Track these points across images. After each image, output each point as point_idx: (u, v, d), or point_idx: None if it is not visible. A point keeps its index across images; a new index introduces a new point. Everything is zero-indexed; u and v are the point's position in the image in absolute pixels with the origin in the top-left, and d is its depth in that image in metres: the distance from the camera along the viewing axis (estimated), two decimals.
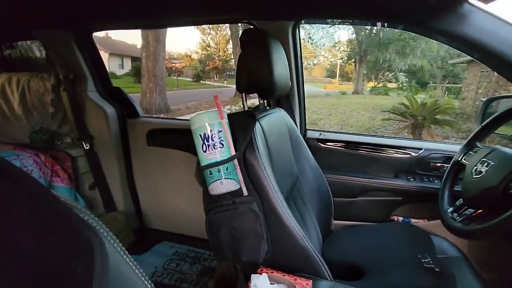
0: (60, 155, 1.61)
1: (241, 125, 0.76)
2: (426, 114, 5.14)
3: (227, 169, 0.70)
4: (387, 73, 16.47)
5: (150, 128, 1.59)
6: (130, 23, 1.45)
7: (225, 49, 19.14)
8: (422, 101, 5.48)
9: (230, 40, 15.72)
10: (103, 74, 1.61)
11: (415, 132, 5.26)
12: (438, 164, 1.25)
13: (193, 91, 14.55)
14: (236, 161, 0.70)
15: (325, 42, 14.96)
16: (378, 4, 1.02)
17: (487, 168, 0.77)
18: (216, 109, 0.71)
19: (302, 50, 1.36)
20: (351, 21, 1.28)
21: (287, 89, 1.00)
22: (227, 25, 15.58)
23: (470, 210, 0.80)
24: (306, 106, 1.43)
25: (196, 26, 18.57)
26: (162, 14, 1.29)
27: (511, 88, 7.23)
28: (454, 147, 1.27)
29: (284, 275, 0.68)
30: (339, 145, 1.40)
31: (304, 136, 1.40)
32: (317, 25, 13.34)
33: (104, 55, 15.43)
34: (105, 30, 1.53)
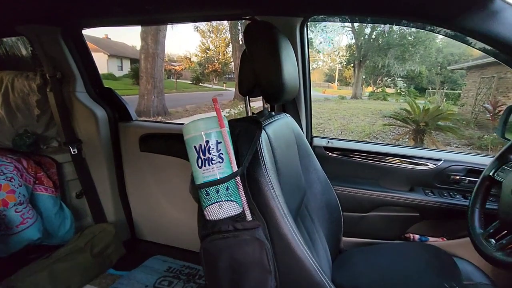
0: (45, 160, 1.49)
1: (245, 134, 0.64)
2: (429, 120, 5.04)
3: (227, 189, 0.57)
4: (386, 78, 16.49)
5: (144, 132, 1.47)
6: (124, 19, 1.34)
7: (225, 52, 19.12)
8: (424, 107, 5.39)
9: (230, 43, 15.68)
10: (93, 73, 1.49)
11: (417, 138, 5.17)
12: (459, 177, 1.14)
13: (192, 93, 14.46)
14: (238, 178, 0.58)
15: (325, 46, 15.00)
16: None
17: None
18: (215, 115, 0.58)
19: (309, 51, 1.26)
20: (368, 19, 1.17)
21: (296, 93, 0.89)
22: (227, 28, 15.59)
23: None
24: None
25: (196, 29, 18.64)
26: (159, 9, 1.18)
27: (511, 95, 7.21)
28: (476, 159, 1.16)
29: None
30: (348, 154, 1.28)
31: (311, 144, 1.28)
32: (317, 29, 13.34)
33: (103, 57, 15.55)
34: (96, 26, 1.42)
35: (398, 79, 16.16)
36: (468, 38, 0.90)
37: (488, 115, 6.67)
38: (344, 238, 1.16)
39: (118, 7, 1.14)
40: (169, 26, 8.28)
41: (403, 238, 1.20)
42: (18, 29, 1.32)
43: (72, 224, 1.50)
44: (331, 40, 15.06)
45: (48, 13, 1.22)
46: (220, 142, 0.58)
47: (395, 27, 13.27)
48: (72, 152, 1.44)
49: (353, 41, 14.76)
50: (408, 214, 1.17)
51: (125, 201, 1.60)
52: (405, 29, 13.30)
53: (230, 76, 20.32)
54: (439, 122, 5.17)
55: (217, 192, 0.56)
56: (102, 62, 15.16)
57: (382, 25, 13.26)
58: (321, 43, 14.93)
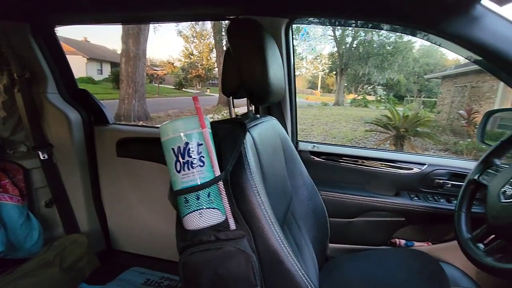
0: (10, 166, 1.37)
1: (228, 136, 0.59)
2: (408, 126, 5.20)
3: (208, 195, 0.52)
4: (366, 86, 17.00)
5: (121, 136, 1.39)
6: (101, 16, 1.27)
7: (209, 57, 19.07)
8: (404, 114, 5.57)
9: (214, 49, 15.67)
10: (66, 74, 1.40)
11: (397, 143, 5.31)
12: (442, 181, 1.15)
13: (175, 98, 14.26)
14: (221, 184, 0.53)
15: (308, 54, 15.31)
16: (385, 3, 0.92)
17: None
18: (196, 115, 0.53)
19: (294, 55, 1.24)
20: (354, 23, 1.17)
21: (282, 95, 0.86)
22: (211, 33, 15.56)
23: (501, 240, 0.67)
24: None
25: (179, 33, 18.52)
26: (139, 7, 1.12)
27: (483, 103, 7.61)
28: (458, 163, 1.17)
29: None
30: (334, 159, 1.26)
31: (296, 148, 1.25)
32: (300, 36, 13.59)
33: (82, 60, 15.08)
34: (70, 24, 1.33)
35: (378, 87, 16.71)
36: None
37: (463, 122, 6.98)
38: (330, 245, 1.13)
39: (94, 2, 1.07)
40: (151, 30, 8.16)
41: (389, 243, 1.19)
42: None
43: (40, 236, 1.38)
44: (313, 48, 15.38)
45: (16, 8, 1.13)
46: (201, 144, 0.52)
47: (375, 37, 13.73)
48: (42, 158, 1.34)
49: (335, 49, 15.15)
50: (394, 219, 1.16)
51: (100, 210, 1.50)
52: (384, 39, 13.81)
53: (213, 81, 20.26)
54: (418, 128, 5.35)
55: (198, 198, 0.51)
56: (80, 66, 14.69)
57: (363, 34, 13.68)
58: (303, 51, 15.24)
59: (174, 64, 19.56)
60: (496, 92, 7.06)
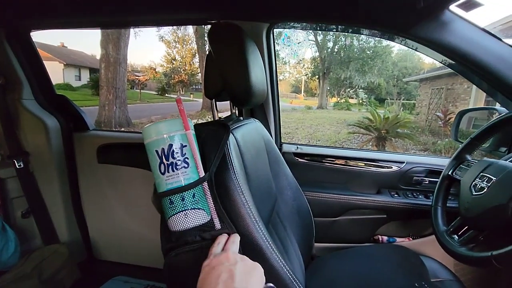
0: None
1: (212, 137, 0.60)
2: (389, 128, 5.37)
3: (193, 196, 0.52)
4: (348, 89, 17.42)
5: (102, 142, 1.36)
6: (79, 20, 1.24)
7: (191, 63, 18.96)
8: (384, 116, 5.75)
9: (197, 54, 15.59)
10: (43, 80, 1.36)
11: (379, 144, 5.47)
12: (420, 178, 1.19)
13: (158, 104, 14.06)
14: (206, 184, 0.53)
15: (291, 59, 15.54)
16: (359, 9, 0.96)
17: (489, 184, 0.69)
18: (179, 118, 0.53)
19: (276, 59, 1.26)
20: (334, 28, 1.21)
21: (264, 97, 0.87)
22: (193, 38, 15.50)
23: (473, 231, 0.71)
24: None
25: (161, 39, 18.34)
26: (118, 11, 1.11)
27: (458, 104, 7.97)
28: (435, 160, 1.22)
29: None
30: (317, 160, 1.29)
31: (280, 150, 1.27)
32: (283, 42, 13.79)
33: (58, 66, 14.60)
34: (47, 28, 1.30)
35: (360, 90, 17.18)
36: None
37: (440, 123, 7.28)
38: (316, 244, 1.15)
39: (71, 6, 1.05)
40: (132, 35, 8.04)
41: (372, 240, 1.22)
42: None
43: (17, 248, 1.32)
44: (295, 52, 15.63)
45: None
46: (185, 146, 0.53)
47: (355, 42, 14.13)
48: (17, 166, 1.28)
49: (317, 54, 15.46)
50: (376, 216, 1.19)
51: (81, 218, 1.45)
52: (364, 43, 14.23)
53: (197, 87, 20.14)
54: (398, 130, 5.53)
55: (183, 200, 0.51)
56: (57, 72, 14.22)
57: (343, 38, 14.04)
58: (286, 55, 15.47)
59: (156, 70, 19.31)
60: (470, 94, 7.42)
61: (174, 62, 19.34)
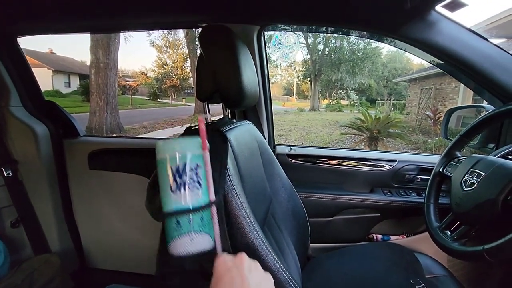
0: None
1: (212, 151, 0.58)
2: (380, 128, 5.44)
3: (201, 219, 0.49)
4: (340, 91, 17.62)
5: (93, 149, 1.34)
6: (67, 25, 1.23)
7: (183, 67, 18.92)
8: (375, 116, 5.82)
9: (188, 58, 15.58)
10: (32, 86, 1.33)
11: (371, 144, 5.53)
12: (412, 176, 1.21)
13: (150, 109, 13.97)
14: (214, 207, 0.51)
15: (282, 62, 15.65)
16: (348, 10, 0.97)
17: (478, 180, 0.70)
18: (197, 136, 0.50)
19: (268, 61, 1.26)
20: (324, 30, 1.22)
21: (256, 99, 0.87)
22: (185, 43, 15.48)
23: (465, 226, 0.72)
24: None
25: (152, 44, 18.26)
26: (107, 15, 1.10)
27: (447, 103, 8.13)
28: (426, 158, 1.24)
29: None
30: (311, 160, 1.29)
31: (274, 152, 1.27)
32: (274, 44, 13.88)
33: (47, 73, 14.40)
34: (34, 34, 1.28)
35: (351, 91, 17.40)
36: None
37: (430, 122, 7.41)
38: (311, 245, 1.15)
39: (59, 10, 1.04)
40: (122, 40, 7.98)
41: (367, 239, 1.23)
42: None
43: (7, 258, 1.28)
44: (286, 55, 15.76)
45: None
46: (200, 167, 0.50)
47: (345, 44, 14.31)
48: (6, 175, 1.25)
49: (308, 56, 15.61)
50: (370, 215, 1.20)
51: (73, 227, 1.42)
52: (354, 45, 14.43)
53: (189, 91, 20.09)
54: (390, 130, 5.61)
55: (190, 222, 0.48)
56: (46, 79, 14.02)
57: (334, 41, 14.21)
58: (277, 58, 15.58)
59: (148, 75, 19.21)
60: (458, 93, 7.58)
61: (165, 67, 19.27)
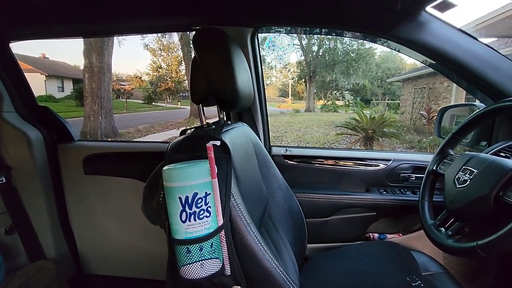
0: None
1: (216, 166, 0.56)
2: (375, 128, 5.48)
3: (211, 245, 0.50)
4: (335, 91, 17.72)
5: (88, 153, 1.33)
6: (60, 30, 1.22)
7: (178, 70, 18.89)
8: (370, 116, 5.86)
9: (183, 61, 15.55)
10: (24, 91, 1.32)
11: (367, 144, 5.56)
12: (407, 175, 1.22)
13: (145, 113, 13.91)
14: (223, 232, 0.52)
15: (277, 63, 15.71)
16: (341, 11, 0.98)
17: (471, 177, 0.71)
18: (206, 161, 0.51)
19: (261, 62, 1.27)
20: (318, 31, 1.23)
21: (251, 101, 0.88)
22: (179, 46, 15.47)
23: (459, 223, 0.73)
24: None
25: (146, 47, 18.22)
26: (101, 19, 1.10)
27: (440, 102, 8.22)
28: (420, 156, 1.25)
29: None
30: (307, 161, 1.30)
31: (269, 153, 1.27)
32: (268, 47, 13.93)
33: (40, 78, 14.26)
34: (27, 39, 1.27)
35: (346, 92, 17.50)
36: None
37: (424, 121, 7.47)
38: (308, 245, 1.15)
39: (51, 15, 1.04)
40: (116, 44, 7.95)
41: (363, 238, 1.24)
42: None
43: (1, 266, 1.26)
44: (280, 57, 15.82)
45: None
46: (210, 194, 0.51)
47: (339, 45, 14.40)
48: None
49: (303, 57, 15.69)
50: (366, 214, 1.21)
51: (68, 232, 1.41)
52: (348, 46, 14.53)
53: (184, 94, 20.04)
54: (385, 129, 5.65)
55: (201, 250, 0.49)
56: (39, 84, 13.89)
57: (328, 42, 14.30)
58: (272, 60, 15.64)
59: (142, 78, 19.14)
60: (451, 92, 7.67)
61: (160, 70, 19.23)
